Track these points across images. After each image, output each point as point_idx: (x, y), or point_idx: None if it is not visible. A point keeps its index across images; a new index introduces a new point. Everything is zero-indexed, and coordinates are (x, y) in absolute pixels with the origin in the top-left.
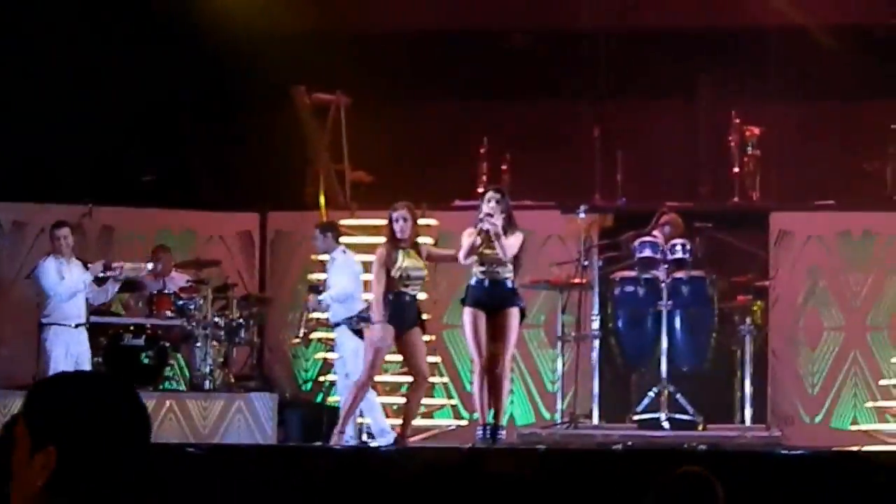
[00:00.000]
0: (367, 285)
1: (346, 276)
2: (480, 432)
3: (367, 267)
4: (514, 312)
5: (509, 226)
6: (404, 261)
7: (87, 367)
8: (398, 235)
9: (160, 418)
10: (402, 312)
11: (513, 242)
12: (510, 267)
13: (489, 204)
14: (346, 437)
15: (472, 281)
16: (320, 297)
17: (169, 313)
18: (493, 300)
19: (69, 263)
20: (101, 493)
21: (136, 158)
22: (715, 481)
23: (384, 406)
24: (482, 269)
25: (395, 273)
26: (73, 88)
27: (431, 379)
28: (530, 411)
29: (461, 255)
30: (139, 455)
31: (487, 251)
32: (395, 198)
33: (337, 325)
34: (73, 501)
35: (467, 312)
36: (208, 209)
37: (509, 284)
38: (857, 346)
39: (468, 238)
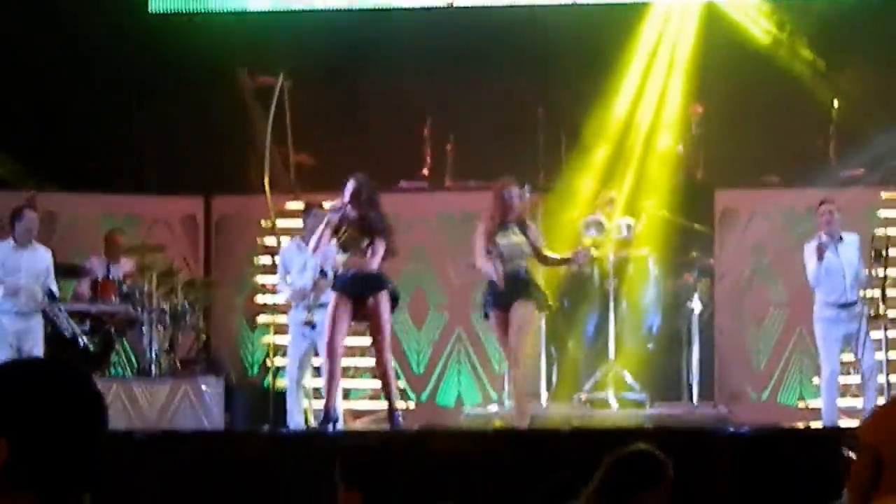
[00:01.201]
0: None
1: None
2: None
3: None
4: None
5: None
6: (502, 238)
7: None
8: (500, 211)
9: (107, 404)
10: (498, 290)
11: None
12: None
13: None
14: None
15: None
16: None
17: (115, 299)
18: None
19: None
20: (56, 483)
21: (79, 144)
22: (663, 458)
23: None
24: None
25: (491, 250)
26: (12, 74)
27: None
28: (478, 392)
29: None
30: (94, 443)
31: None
32: (339, 180)
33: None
34: (28, 492)
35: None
36: (152, 194)
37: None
38: (803, 323)
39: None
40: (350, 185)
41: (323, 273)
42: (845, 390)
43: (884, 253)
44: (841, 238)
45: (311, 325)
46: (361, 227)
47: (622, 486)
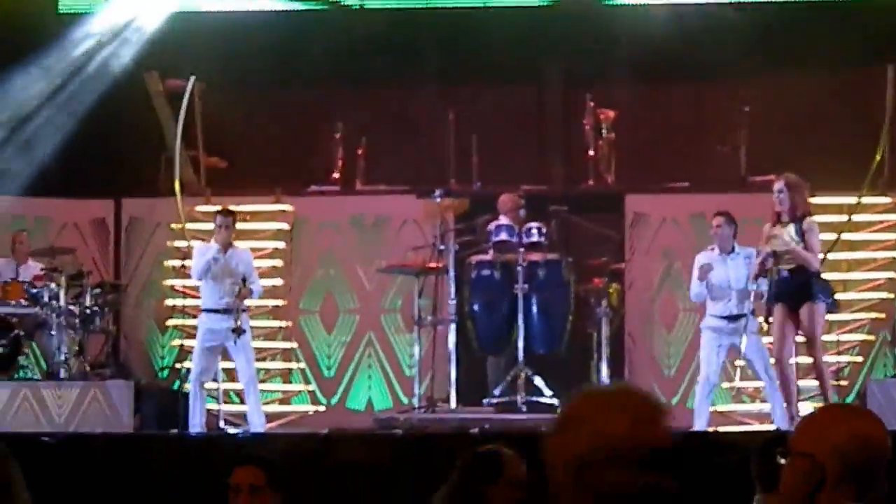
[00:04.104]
0: None
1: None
2: None
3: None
4: None
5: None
6: (774, 237)
7: None
8: (776, 208)
9: (15, 407)
10: (779, 287)
11: None
12: None
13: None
14: None
15: None
16: (254, 287)
17: (23, 301)
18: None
19: None
20: None
21: None
22: (507, 456)
23: (263, 392)
24: None
25: (766, 250)
26: None
27: (288, 364)
28: (388, 396)
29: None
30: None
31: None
32: (251, 184)
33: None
34: None
35: None
36: (62, 196)
37: None
38: None
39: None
40: None
41: (243, 281)
42: (754, 395)
43: (767, 264)
44: (733, 250)
45: (240, 332)
46: None
47: (466, 485)
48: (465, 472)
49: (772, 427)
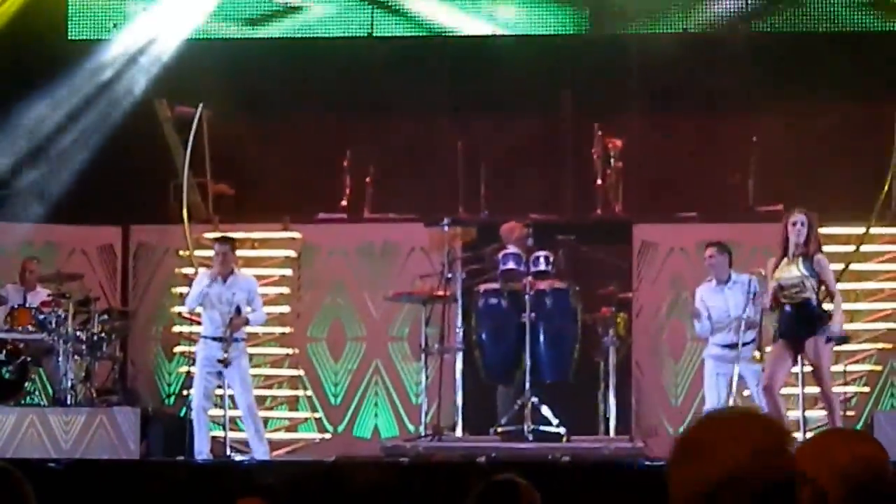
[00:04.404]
0: None
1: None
2: None
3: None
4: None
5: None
6: (782, 270)
7: None
8: (793, 240)
9: (21, 433)
10: (784, 323)
11: None
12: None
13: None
14: None
15: None
16: (251, 317)
17: (30, 328)
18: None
19: None
20: None
21: None
22: (524, 487)
23: (265, 420)
24: None
25: (772, 283)
26: None
27: (295, 392)
28: (394, 424)
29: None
30: None
31: None
32: (259, 211)
33: (240, 340)
34: None
35: None
36: (70, 223)
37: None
38: None
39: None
40: None
41: (238, 310)
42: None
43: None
44: (729, 278)
45: (226, 363)
46: None
47: None
48: (480, 501)
49: None
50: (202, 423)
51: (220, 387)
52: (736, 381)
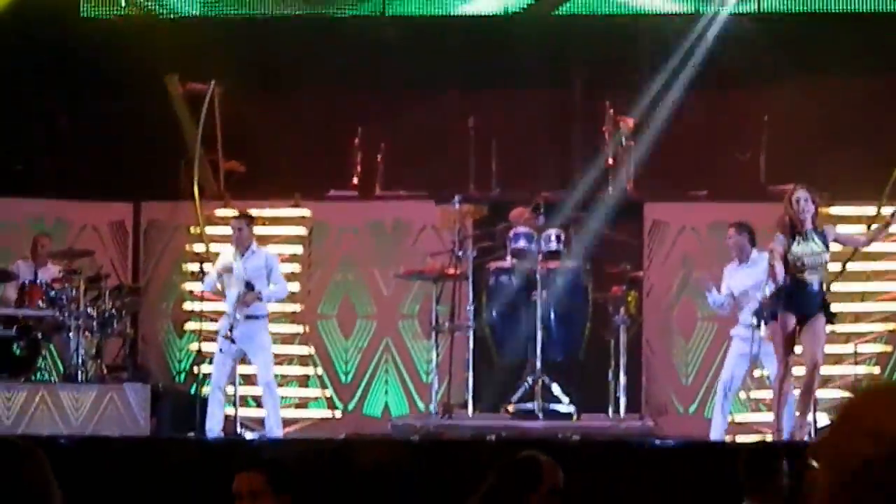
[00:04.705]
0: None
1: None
2: None
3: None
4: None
5: None
6: (800, 247)
7: None
8: (799, 216)
9: (32, 409)
10: (797, 299)
11: None
12: None
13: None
14: None
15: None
16: (271, 290)
17: (41, 304)
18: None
19: None
20: None
21: (6, 148)
22: (547, 464)
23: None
24: None
25: (790, 259)
26: None
27: (305, 370)
28: (405, 402)
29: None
30: None
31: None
32: (270, 188)
33: (260, 317)
34: None
35: None
36: (81, 199)
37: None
38: (731, 337)
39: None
40: None
41: (249, 286)
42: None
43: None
44: (748, 258)
45: (231, 339)
46: None
47: (506, 491)
48: (504, 479)
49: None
50: (217, 401)
51: (242, 363)
52: (753, 360)
